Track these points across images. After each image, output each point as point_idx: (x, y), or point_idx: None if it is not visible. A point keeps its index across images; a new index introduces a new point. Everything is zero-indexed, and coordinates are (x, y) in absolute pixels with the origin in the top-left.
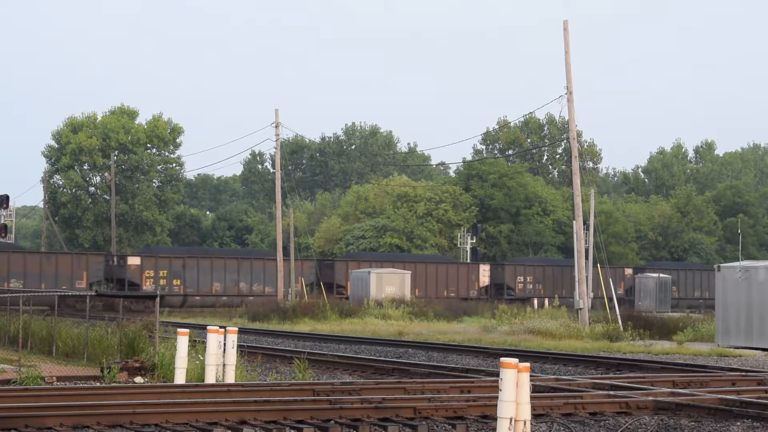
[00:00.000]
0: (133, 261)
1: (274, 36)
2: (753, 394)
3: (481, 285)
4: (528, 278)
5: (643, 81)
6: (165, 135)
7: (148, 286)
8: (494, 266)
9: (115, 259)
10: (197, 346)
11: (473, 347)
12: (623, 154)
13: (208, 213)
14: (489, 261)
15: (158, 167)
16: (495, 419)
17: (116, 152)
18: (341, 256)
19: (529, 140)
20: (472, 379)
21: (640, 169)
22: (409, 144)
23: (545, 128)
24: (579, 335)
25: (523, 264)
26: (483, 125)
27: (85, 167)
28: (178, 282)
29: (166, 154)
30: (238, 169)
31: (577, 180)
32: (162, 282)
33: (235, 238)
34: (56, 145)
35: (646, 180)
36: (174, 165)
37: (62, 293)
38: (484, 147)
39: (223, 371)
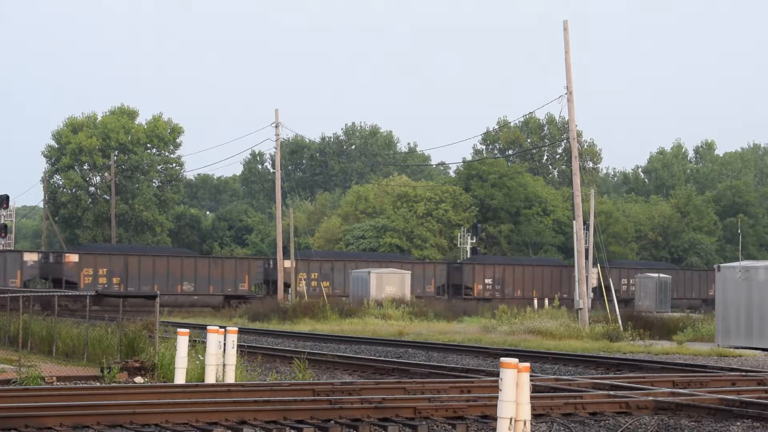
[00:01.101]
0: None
1: (274, 36)
2: (753, 394)
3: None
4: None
5: (643, 81)
6: (165, 135)
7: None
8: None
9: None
10: (197, 346)
11: (473, 347)
12: (623, 154)
13: (208, 213)
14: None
15: (158, 167)
16: (495, 419)
17: (116, 152)
18: (468, 260)
19: (529, 140)
20: (472, 379)
21: (640, 169)
22: (409, 144)
23: (545, 128)
24: (579, 335)
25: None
26: (483, 125)
27: (85, 167)
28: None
29: (166, 154)
30: (238, 169)
31: (577, 180)
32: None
33: (235, 238)
34: (56, 145)
35: (646, 180)
36: (174, 165)
37: (62, 293)
38: (484, 147)
39: (223, 371)
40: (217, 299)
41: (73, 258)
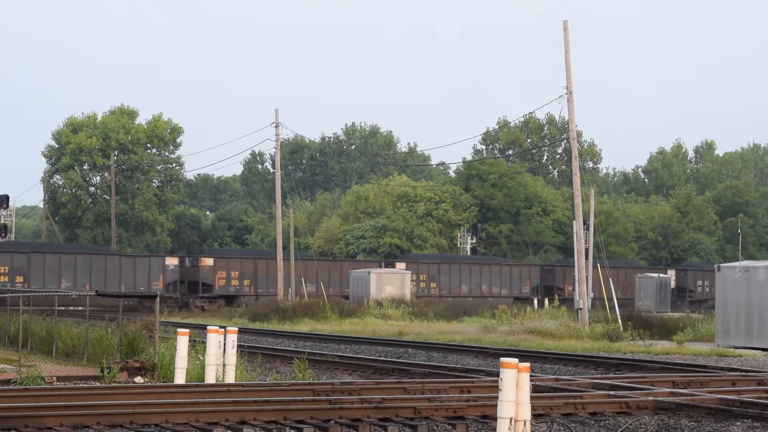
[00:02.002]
0: (207, 262)
1: (275, 36)
2: (753, 394)
3: None
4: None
5: (643, 81)
6: (165, 135)
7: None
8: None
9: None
10: (197, 346)
11: (473, 347)
12: (623, 154)
13: (208, 213)
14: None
15: (158, 167)
16: (495, 419)
17: (116, 152)
18: (557, 261)
19: (529, 140)
20: (472, 379)
21: (640, 169)
22: (409, 144)
23: (545, 128)
24: (579, 335)
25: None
26: (483, 125)
27: (85, 167)
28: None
29: (166, 154)
30: (238, 169)
31: (577, 180)
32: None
33: (235, 238)
34: (56, 145)
35: (646, 180)
36: (174, 165)
37: (62, 293)
38: (484, 147)
39: (223, 371)
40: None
41: (209, 262)
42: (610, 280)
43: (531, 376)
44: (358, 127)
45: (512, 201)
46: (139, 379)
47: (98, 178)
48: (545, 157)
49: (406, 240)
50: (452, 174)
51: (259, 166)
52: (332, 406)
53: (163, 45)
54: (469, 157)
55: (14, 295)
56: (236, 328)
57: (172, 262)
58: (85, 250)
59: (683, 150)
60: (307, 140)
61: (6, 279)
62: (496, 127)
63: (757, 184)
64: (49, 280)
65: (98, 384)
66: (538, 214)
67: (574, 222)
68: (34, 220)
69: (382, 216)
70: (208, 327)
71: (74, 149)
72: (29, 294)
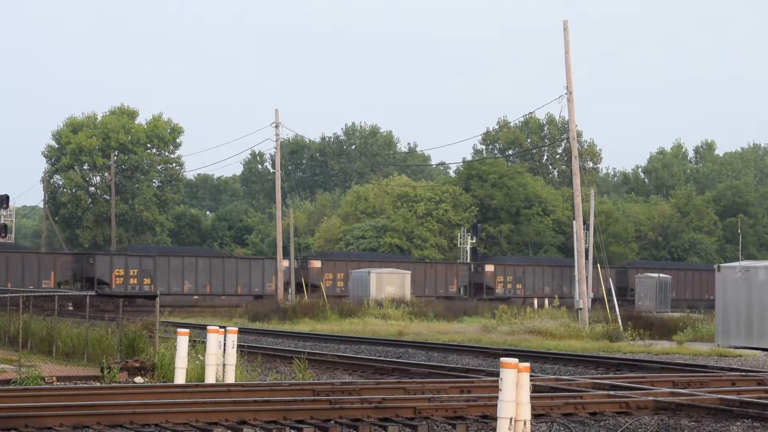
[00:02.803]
0: (315, 264)
1: (274, 36)
2: (753, 394)
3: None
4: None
5: (643, 81)
6: (165, 135)
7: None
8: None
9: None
10: (197, 346)
11: (473, 347)
12: (623, 154)
13: (208, 213)
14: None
15: (158, 167)
16: (495, 419)
17: (116, 152)
18: (630, 262)
19: (529, 140)
20: (472, 379)
21: (640, 169)
22: (409, 144)
23: (545, 128)
24: (579, 335)
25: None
26: (483, 125)
27: (85, 167)
28: (149, 281)
29: (166, 154)
30: (238, 169)
31: (577, 180)
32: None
33: (235, 238)
34: (56, 145)
35: (646, 180)
36: (174, 165)
37: (62, 293)
38: (484, 147)
39: (223, 371)
40: None
41: (317, 264)
42: (611, 280)
43: (531, 376)
44: (358, 127)
45: (512, 201)
46: (139, 379)
47: (98, 178)
48: (545, 157)
49: (406, 240)
50: (452, 174)
51: (259, 166)
52: (332, 406)
53: (163, 45)
54: (469, 157)
55: (14, 295)
56: (236, 328)
57: (285, 263)
58: (206, 253)
59: (683, 150)
60: (307, 140)
61: (135, 281)
62: (496, 127)
63: (757, 184)
64: (173, 282)
65: (98, 384)
66: (538, 214)
67: (574, 222)
68: (34, 220)
69: (382, 216)
70: (208, 327)
71: (74, 149)
72: (29, 294)
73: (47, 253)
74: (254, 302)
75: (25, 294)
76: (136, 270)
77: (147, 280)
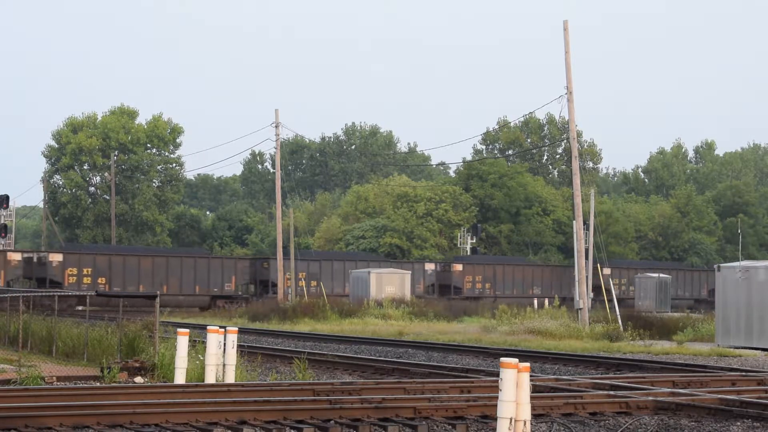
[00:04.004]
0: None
1: (274, 36)
2: (753, 394)
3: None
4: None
5: (643, 81)
6: (165, 135)
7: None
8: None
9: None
10: (197, 346)
11: (473, 347)
12: (623, 154)
13: (208, 213)
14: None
15: (158, 167)
16: (495, 419)
17: (116, 152)
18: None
19: (529, 140)
20: (472, 379)
21: (640, 169)
22: (409, 144)
23: (545, 128)
24: (579, 335)
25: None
26: (483, 125)
27: (85, 167)
28: (315, 283)
29: (166, 154)
30: (238, 169)
31: (577, 180)
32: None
33: (235, 238)
34: (56, 145)
35: (646, 180)
36: (174, 165)
37: (62, 293)
38: (484, 147)
39: (223, 371)
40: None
41: (459, 267)
42: (611, 280)
43: (531, 376)
44: (358, 127)
45: (512, 201)
46: (139, 379)
47: (98, 178)
48: (545, 157)
49: (406, 240)
50: (452, 174)
51: (259, 166)
52: (332, 406)
53: (163, 45)
54: (469, 157)
55: (14, 295)
56: (236, 328)
57: (430, 267)
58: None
59: (683, 150)
60: (307, 140)
61: (303, 284)
62: (496, 127)
63: (757, 184)
64: (336, 285)
65: (98, 384)
66: (538, 214)
67: (574, 222)
68: (34, 220)
69: (382, 216)
70: (208, 327)
71: (74, 149)
72: (29, 294)
73: (229, 258)
74: (254, 302)
75: (24, 294)
76: (303, 273)
77: (314, 283)
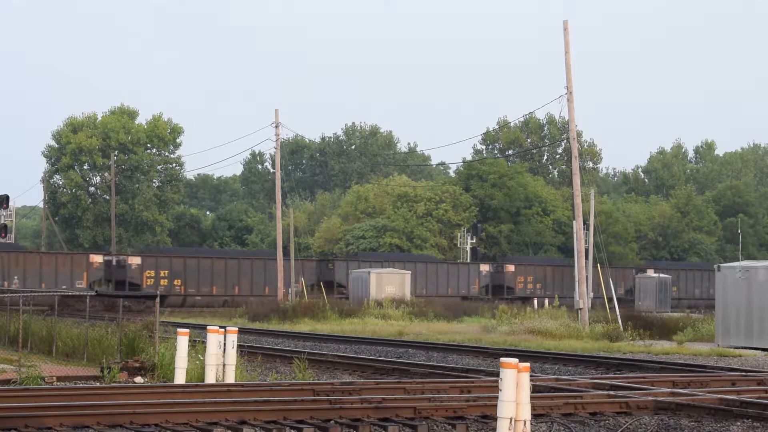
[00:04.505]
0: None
1: (275, 36)
2: (753, 394)
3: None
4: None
5: (643, 81)
6: (165, 135)
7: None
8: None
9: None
10: (197, 346)
11: (473, 347)
12: (623, 154)
13: (208, 213)
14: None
15: (158, 167)
16: (495, 419)
17: (116, 152)
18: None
19: (529, 140)
20: (472, 379)
21: (640, 169)
22: (409, 144)
23: (545, 128)
24: (579, 335)
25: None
26: (483, 125)
27: (85, 167)
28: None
29: (166, 154)
30: (238, 169)
31: (577, 180)
32: (163, 282)
33: (235, 238)
34: (56, 145)
35: (646, 180)
36: (174, 165)
37: (62, 293)
38: (484, 147)
39: (223, 371)
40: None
41: (511, 268)
42: (611, 280)
43: (531, 376)
44: (358, 127)
45: (512, 201)
46: (139, 379)
47: (98, 178)
48: (545, 157)
49: (406, 240)
50: (452, 174)
51: (259, 166)
52: (332, 406)
53: (163, 45)
54: (469, 157)
55: (14, 295)
56: (236, 328)
57: (485, 268)
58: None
59: (683, 150)
60: (307, 140)
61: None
62: (496, 127)
63: (757, 184)
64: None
65: (98, 384)
66: (538, 214)
67: (574, 222)
68: (34, 220)
69: (382, 216)
70: (208, 327)
71: (74, 149)
72: (29, 294)
73: (296, 260)
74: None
75: (24, 294)
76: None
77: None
